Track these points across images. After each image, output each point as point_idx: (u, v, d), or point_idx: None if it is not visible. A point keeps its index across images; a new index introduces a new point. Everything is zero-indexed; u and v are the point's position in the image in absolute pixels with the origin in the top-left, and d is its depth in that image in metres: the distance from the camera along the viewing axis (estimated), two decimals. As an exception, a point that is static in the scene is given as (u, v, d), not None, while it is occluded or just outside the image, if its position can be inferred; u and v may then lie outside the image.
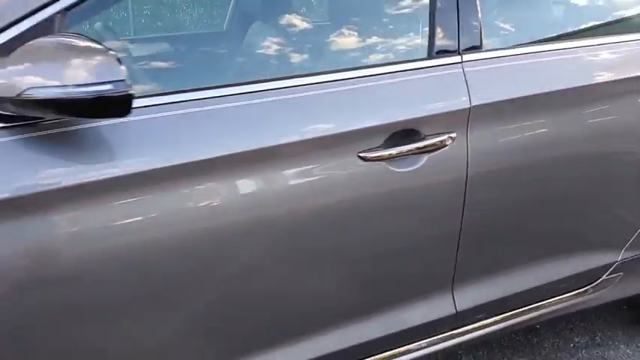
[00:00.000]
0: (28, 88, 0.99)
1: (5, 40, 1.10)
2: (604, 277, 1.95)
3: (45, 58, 1.02)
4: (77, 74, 0.99)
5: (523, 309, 1.79)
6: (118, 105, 0.99)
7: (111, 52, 0.99)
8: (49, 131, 1.12)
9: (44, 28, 1.13)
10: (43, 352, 1.17)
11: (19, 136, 1.10)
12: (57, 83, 0.99)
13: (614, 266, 1.95)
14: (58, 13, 1.15)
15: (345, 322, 1.54)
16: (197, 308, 1.29)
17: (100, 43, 1.04)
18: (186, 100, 1.20)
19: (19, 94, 1.00)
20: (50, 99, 0.99)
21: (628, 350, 2.12)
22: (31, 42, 1.05)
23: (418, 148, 1.45)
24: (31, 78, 1.00)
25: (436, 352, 1.72)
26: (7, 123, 1.10)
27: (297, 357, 1.46)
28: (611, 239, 1.93)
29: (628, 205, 1.92)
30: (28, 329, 1.13)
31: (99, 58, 1.00)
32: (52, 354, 1.18)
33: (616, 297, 2.01)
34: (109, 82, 0.98)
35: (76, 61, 1.01)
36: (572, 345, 2.16)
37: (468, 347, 2.09)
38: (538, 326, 2.24)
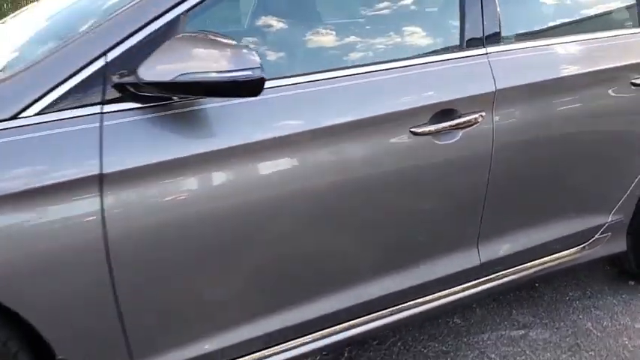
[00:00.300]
0: (180, 75, 1.26)
1: (147, 34, 1.36)
2: (596, 236, 2.30)
3: (190, 50, 1.30)
4: (219, 63, 1.27)
5: (534, 262, 2.13)
6: (253, 87, 1.28)
7: (246, 46, 1.27)
8: (176, 110, 1.39)
9: (173, 27, 1.40)
10: (157, 290, 1.42)
11: (152, 115, 1.36)
12: (204, 70, 1.26)
13: (604, 227, 2.30)
14: (182, 14, 1.42)
15: (389, 272, 1.83)
16: (267, 257, 1.56)
17: (229, 38, 1.32)
18: (288, 84, 1.49)
19: (172, 79, 1.27)
20: (201, 82, 1.26)
21: (614, 300, 2.48)
22: (174, 37, 1.32)
23: (457, 124, 1.76)
24: (181, 65, 1.28)
25: (455, 303, 2.03)
26: (143, 104, 1.36)
27: (352, 300, 1.75)
28: (602, 205, 2.29)
29: (616, 176, 2.28)
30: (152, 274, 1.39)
31: (236, 50, 1.28)
32: (164, 291, 1.43)
33: (605, 253, 2.37)
34: (247, 69, 1.26)
35: (216, 52, 1.28)
36: (567, 298, 2.51)
37: (481, 300, 2.43)
38: (537, 284, 2.59)
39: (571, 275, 2.67)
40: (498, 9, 1.91)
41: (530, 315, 2.38)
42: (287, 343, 1.62)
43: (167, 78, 1.28)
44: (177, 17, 1.41)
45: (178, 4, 1.42)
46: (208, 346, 1.50)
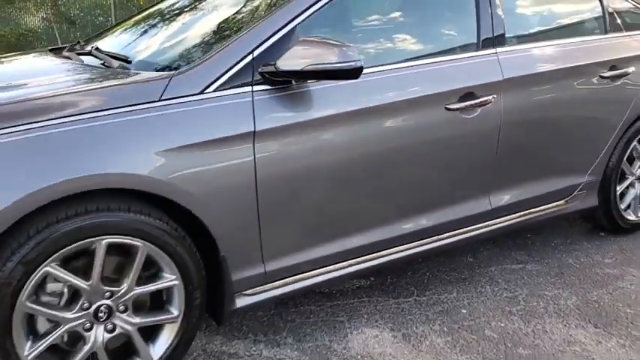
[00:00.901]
0: (308, 65, 1.94)
1: (277, 39, 2.04)
2: (575, 192, 3.02)
3: (310, 49, 1.96)
4: (332, 57, 1.94)
5: (530, 210, 2.84)
6: (355, 73, 1.96)
7: (349, 45, 1.95)
8: (294, 91, 2.06)
9: (293, 33, 2.07)
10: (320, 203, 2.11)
11: (280, 94, 2.03)
12: (322, 62, 1.94)
13: (581, 185, 3.02)
14: (298, 24, 2.10)
15: (431, 209, 2.50)
16: (384, 185, 2.27)
17: (335, 40, 1.99)
18: (374, 72, 2.18)
19: (302, 68, 1.94)
20: (322, 70, 1.93)
21: (589, 245, 3.20)
22: (299, 40, 1.99)
23: (476, 103, 2.45)
24: (306, 60, 1.95)
25: (474, 238, 2.72)
26: (272, 86, 2.03)
27: (411, 227, 2.44)
28: (580, 168, 3.00)
29: (589, 146, 3.00)
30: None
31: (343, 47, 1.95)
32: (289, 209, 2.10)
33: (582, 207, 3.08)
34: (352, 61, 1.93)
35: (328, 50, 1.95)
36: (553, 244, 3.22)
37: (487, 243, 3.12)
38: (529, 235, 3.30)
39: (556, 229, 3.39)
40: (503, 20, 2.62)
41: (525, 254, 3.08)
42: (384, 253, 2.36)
43: (298, 67, 1.95)
44: (295, 27, 2.09)
45: (295, 18, 2.10)
46: (324, 250, 2.19)
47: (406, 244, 2.46)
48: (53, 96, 1.83)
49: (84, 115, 1.74)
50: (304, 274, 2.21)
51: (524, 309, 2.53)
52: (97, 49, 2.52)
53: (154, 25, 2.78)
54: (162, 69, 2.10)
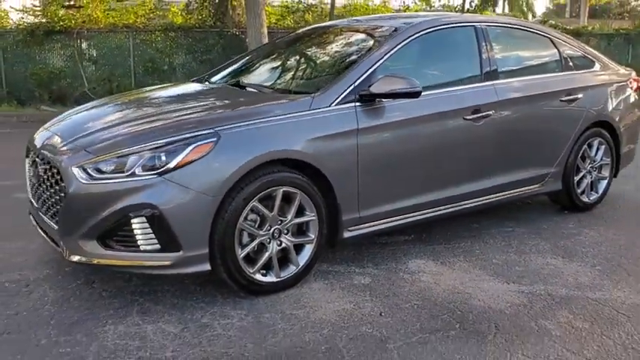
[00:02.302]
0: (390, 90, 3.30)
1: (366, 76, 3.40)
2: (546, 179, 4.41)
3: (390, 80, 3.33)
4: (404, 85, 3.31)
5: (516, 189, 4.22)
6: (418, 94, 3.33)
7: (412, 78, 3.33)
8: (376, 105, 3.42)
9: (376, 71, 3.44)
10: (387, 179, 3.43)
11: (368, 107, 3.38)
12: (399, 88, 3.31)
13: (550, 174, 4.42)
14: (377, 67, 3.47)
15: (454, 184, 3.85)
16: (429, 165, 3.60)
17: (402, 75, 3.37)
18: (427, 94, 3.55)
19: (387, 92, 3.30)
20: (399, 92, 3.30)
21: (557, 218, 4.58)
22: (384, 75, 3.36)
23: (481, 116, 3.85)
24: (387, 87, 3.31)
25: (479, 207, 4.08)
26: (364, 102, 3.39)
27: (446, 194, 3.78)
28: (549, 161, 4.39)
29: (555, 146, 4.41)
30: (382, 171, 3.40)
31: (409, 79, 3.32)
32: (377, 177, 3.42)
33: (551, 189, 4.48)
34: (416, 87, 3.31)
35: (401, 80, 3.33)
36: (532, 217, 4.59)
37: (485, 213, 4.48)
38: (517, 210, 4.67)
39: (534, 208, 4.77)
40: (496, 62, 4.04)
41: (514, 222, 4.43)
42: (429, 211, 3.67)
43: (385, 91, 3.31)
44: (375, 69, 3.46)
45: (375, 63, 3.47)
46: (391, 206, 3.51)
47: (442, 206, 3.81)
48: (253, 107, 3.17)
49: (272, 117, 3.07)
50: (382, 220, 3.53)
51: (516, 250, 3.87)
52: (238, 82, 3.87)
53: (270, 63, 4.15)
54: (296, 93, 3.44)
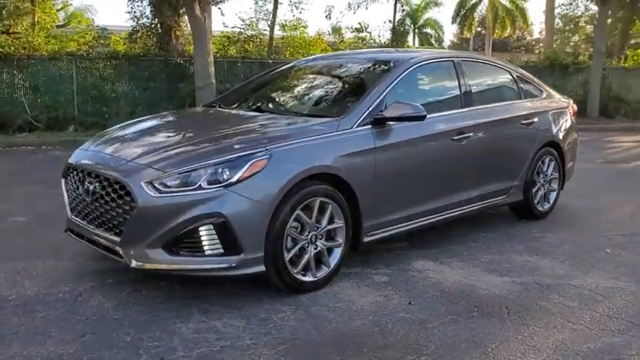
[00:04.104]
0: (400, 114, 3.88)
1: (377, 103, 3.97)
2: (511, 191, 5.14)
3: (400, 106, 3.91)
4: (411, 110, 3.91)
5: (487, 200, 4.90)
6: (423, 117, 3.93)
7: (417, 104, 3.93)
8: (386, 127, 3.98)
9: (385, 97, 4.02)
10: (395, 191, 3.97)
11: (379, 129, 3.94)
12: (408, 112, 3.89)
13: (513, 187, 5.15)
14: (385, 95, 4.06)
15: (447, 194, 4.49)
16: (436, 179, 4.18)
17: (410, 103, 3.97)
18: (432, 117, 4.15)
19: (398, 115, 3.88)
20: (408, 116, 3.88)
21: (521, 225, 5.31)
22: (394, 102, 3.94)
23: (464, 137, 4.51)
24: (398, 111, 3.90)
25: (464, 215, 4.72)
26: (377, 124, 3.95)
27: (440, 203, 4.39)
28: (512, 175, 5.12)
29: (517, 163, 5.15)
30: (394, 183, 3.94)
31: (415, 105, 3.92)
32: (387, 186, 3.97)
33: (514, 200, 5.20)
34: (422, 112, 3.90)
35: (409, 106, 3.92)
36: (501, 226, 5.30)
37: (464, 221, 5.13)
38: (490, 219, 5.36)
39: (500, 219, 5.48)
40: (471, 91, 4.75)
41: (486, 229, 5.11)
42: (428, 218, 4.24)
43: (396, 115, 3.89)
44: (385, 95, 4.04)
45: (384, 90, 4.05)
46: (400, 214, 4.07)
47: (437, 214, 4.41)
48: (292, 128, 3.64)
49: (309, 138, 3.56)
50: (393, 227, 4.07)
51: (497, 251, 4.52)
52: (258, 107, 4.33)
53: (280, 91, 4.64)
54: (316, 116, 3.95)
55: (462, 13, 37.97)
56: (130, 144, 3.80)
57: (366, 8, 23.64)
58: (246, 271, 3.29)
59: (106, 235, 3.44)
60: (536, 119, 5.29)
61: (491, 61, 5.43)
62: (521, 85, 5.44)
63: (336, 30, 20.82)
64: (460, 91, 4.69)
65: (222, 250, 3.23)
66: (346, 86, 4.49)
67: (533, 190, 5.38)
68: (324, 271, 3.65)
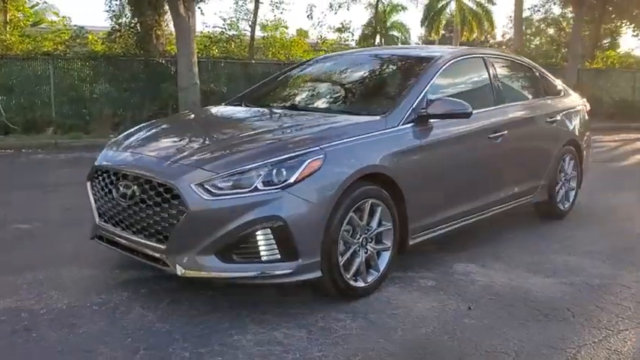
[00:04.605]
0: (445, 111, 3.74)
1: (420, 98, 3.82)
2: (538, 190, 5.06)
3: (443, 103, 3.77)
4: (456, 107, 3.77)
5: (518, 199, 4.81)
6: (469, 115, 3.80)
7: (462, 101, 3.79)
8: (428, 125, 3.84)
9: (424, 97, 3.87)
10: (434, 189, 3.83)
11: (422, 128, 3.79)
12: (453, 109, 3.75)
13: (540, 186, 5.08)
14: (426, 91, 3.91)
15: (480, 195, 4.36)
16: (474, 179, 4.05)
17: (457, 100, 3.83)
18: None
19: (442, 112, 3.74)
20: (453, 113, 3.75)
21: (540, 231, 5.24)
22: (439, 98, 3.80)
23: (500, 135, 4.40)
24: (443, 108, 3.75)
25: (496, 214, 4.61)
26: (419, 122, 3.80)
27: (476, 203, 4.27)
28: (539, 175, 5.05)
29: (543, 162, 5.08)
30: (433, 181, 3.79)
31: (461, 102, 3.78)
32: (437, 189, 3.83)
33: (540, 199, 5.13)
34: (468, 109, 3.77)
35: (453, 103, 3.79)
36: (525, 224, 5.21)
37: (494, 221, 5.02)
38: (513, 218, 5.27)
39: (521, 216, 5.40)
40: (502, 89, 4.65)
41: (511, 230, 5.02)
42: (466, 218, 4.10)
43: (440, 112, 3.75)
44: (426, 92, 3.89)
45: (424, 88, 3.89)
46: (442, 214, 3.92)
47: (475, 214, 4.28)
48: (340, 126, 3.46)
49: (359, 136, 3.38)
50: (435, 228, 3.93)
51: (534, 252, 4.42)
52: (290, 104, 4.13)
53: (309, 88, 4.44)
54: (362, 114, 3.77)
55: (431, 15, 38.47)
56: (168, 144, 3.56)
57: (348, 9, 23.65)
58: (303, 277, 3.09)
59: (146, 242, 3.19)
60: (558, 117, 5.23)
61: (515, 58, 5.35)
62: (543, 82, 5.37)
63: (301, 33, 20.34)
64: (492, 87, 4.58)
65: (279, 256, 3.03)
66: (380, 83, 4.34)
67: (556, 189, 5.31)
68: (373, 276, 3.48)
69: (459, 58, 4.39)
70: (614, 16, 26.11)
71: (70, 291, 3.47)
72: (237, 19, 15.54)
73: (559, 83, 5.70)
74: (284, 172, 3.02)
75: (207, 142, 3.43)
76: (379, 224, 3.48)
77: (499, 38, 46.79)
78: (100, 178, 3.50)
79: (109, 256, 3.98)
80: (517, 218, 5.37)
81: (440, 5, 38.68)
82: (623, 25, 27.49)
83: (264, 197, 2.97)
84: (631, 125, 16.67)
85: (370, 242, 3.44)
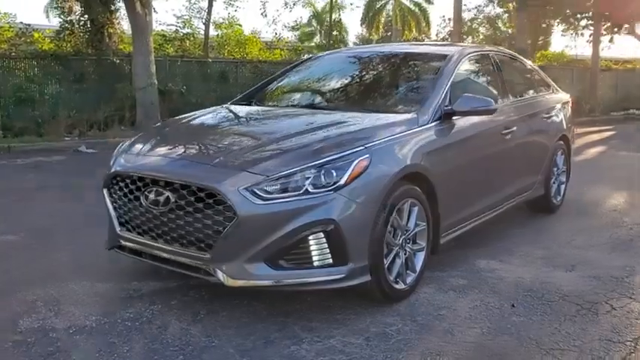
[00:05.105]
0: (471, 107, 3.72)
1: (444, 95, 3.79)
2: (534, 186, 5.14)
3: (468, 99, 3.75)
4: (481, 103, 3.75)
5: (519, 195, 4.86)
6: (493, 111, 3.79)
7: (487, 97, 3.78)
8: (451, 122, 3.81)
9: (447, 94, 3.84)
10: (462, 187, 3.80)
11: (447, 125, 3.75)
12: (478, 105, 3.74)
13: (536, 182, 5.16)
14: (447, 91, 3.87)
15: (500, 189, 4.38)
16: (490, 176, 4.04)
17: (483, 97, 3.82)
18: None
19: (467, 109, 3.71)
20: (478, 110, 3.73)
21: (543, 218, 5.33)
22: (463, 95, 3.77)
23: (510, 131, 4.43)
24: (469, 105, 3.73)
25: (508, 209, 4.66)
26: (444, 119, 3.76)
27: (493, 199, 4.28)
28: (536, 171, 5.13)
29: (542, 156, 5.16)
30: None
31: (487, 98, 3.77)
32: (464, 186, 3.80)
33: (537, 194, 5.21)
34: (492, 105, 3.76)
35: (477, 99, 3.77)
36: (525, 215, 5.29)
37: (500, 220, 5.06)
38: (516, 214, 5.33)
39: (521, 209, 5.47)
40: (507, 85, 4.68)
41: (516, 225, 5.08)
42: (483, 216, 4.10)
43: (467, 108, 3.72)
44: (448, 89, 3.86)
45: (447, 83, 3.86)
46: (467, 211, 3.90)
47: (491, 210, 4.29)
48: (375, 125, 3.36)
49: (397, 135, 3.30)
50: (461, 225, 3.90)
51: (546, 246, 4.48)
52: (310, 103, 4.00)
53: (320, 85, 4.32)
54: (389, 112, 3.69)
55: (370, 15, 38.97)
56: (197, 146, 3.36)
57: (303, 6, 23.52)
58: (354, 282, 2.99)
59: (184, 251, 2.99)
60: (553, 113, 5.33)
61: (513, 55, 5.41)
62: (537, 78, 5.47)
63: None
64: (499, 83, 4.61)
65: (331, 261, 2.91)
66: (401, 80, 4.26)
67: (551, 183, 5.41)
68: (411, 277, 3.41)
69: (471, 55, 4.39)
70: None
71: (91, 306, 3.23)
72: (190, 17, 15.13)
73: (548, 80, 5.81)
74: (334, 174, 2.90)
75: (243, 143, 3.26)
76: (416, 224, 3.41)
77: (433, 37, 48.04)
78: (122, 184, 3.26)
79: (115, 266, 3.80)
80: (509, 214, 5.43)
81: (379, 5, 39.29)
82: (554, 24, 28.65)
83: (316, 200, 2.85)
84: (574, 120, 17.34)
85: (408, 243, 3.37)
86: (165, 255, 3.09)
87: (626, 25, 23.32)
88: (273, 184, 2.85)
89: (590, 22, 23.76)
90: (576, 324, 3.06)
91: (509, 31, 32.25)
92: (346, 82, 4.45)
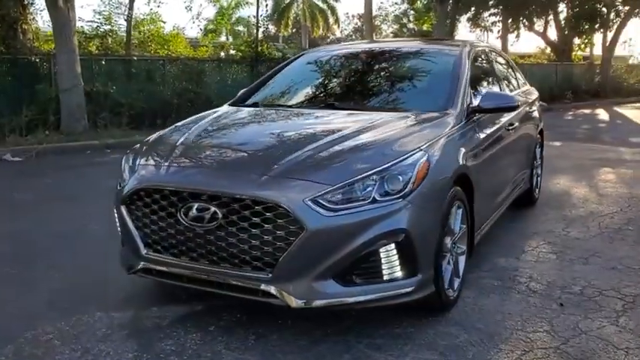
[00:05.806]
0: (494, 105, 3.65)
1: (465, 93, 3.70)
2: (524, 179, 5.19)
3: (492, 96, 3.68)
4: (505, 100, 3.69)
5: (518, 189, 4.89)
6: (516, 108, 3.74)
7: (512, 94, 3.73)
8: (476, 118, 3.72)
9: (466, 91, 3.75)
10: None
11: (474, 122, 3.66)
12: (501, 103, 3.67)
13: (526, 174, 5.22)
14: (467, 89, 3.78)
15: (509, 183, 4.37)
16: (503, 173, 3.98)
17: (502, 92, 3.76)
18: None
19: (491, 107, 3.64)
20: (502, 107, 3.67)
21: (532, 205, 5.40)
22: (487, 91, 3.69)
23: (513, 127, 4.42)
24: (494, 102, 3.66)
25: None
26: (472, 117, 3.67)
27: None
28: (526, 164, 5.18)
29: (530, 150, 5.22)
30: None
31: (508, 95, 3.72)
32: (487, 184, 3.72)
33: (525, 188, 5.27)
34: (515, 102, 3.71)
35: (501, 96, 3.71)
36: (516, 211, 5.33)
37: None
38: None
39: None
40: (502, 81, 4.68)
41: (514, 221, 5.10)
42: (496, 214, 4.05)
43: (489, 106, 3.64)
44: (467, 86, 3.76)
45: (465, 79, 3.77)
46: (487, 212, 3.83)
47: (501, 205, 4.26)
48: (421, 127, 3.19)
49: (443, 137, 3.15)
50: (483, 225, 3.83)
51: (548, 241, 4.52)
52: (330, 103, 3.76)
53: (333, 84, 4.08)
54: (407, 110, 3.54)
55: (279, 11, 38.82)
56: (235, 153, 3.03)
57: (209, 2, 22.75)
58: (418, 295, 2.80)
59: (237, 272, 2.68)
60: (534, 107, 5.42)
61: (496, 50, 5.42)
62: (517, 73, 5.53)
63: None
64: (497, 79, 4.59)
65: (400, 274, 2.71)
66: (418, 78, 4.09)
67: (533, 176, 5.50)
68: (457, 283, 3.28)
69: (476, 50, 4.35)
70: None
71: (121, 342, 2.84)
72: (110, 13, 14.19)
73: (522, 75, 5.91)
74: (400, 179, 2.71)
75: (286, 149, 2.93)
76: (460, 227, 3.28)
77: (338, 34, 48.56)
78: (148, 200, 2.88)
79: (118, 291, 3.45)
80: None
81: (287, 1, 39.27)
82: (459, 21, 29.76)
83: (384, 209, 2.64)
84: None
85: (454, 248, 3.23)
86: (209, 277, 2.75)
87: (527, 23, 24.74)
88: (336, 194, 2.61)
89: (498, 18, 24.97)
90: (633, 320, 3.05)
91: (416, 28, 33.38)
92: (360, 80, 4.23)
